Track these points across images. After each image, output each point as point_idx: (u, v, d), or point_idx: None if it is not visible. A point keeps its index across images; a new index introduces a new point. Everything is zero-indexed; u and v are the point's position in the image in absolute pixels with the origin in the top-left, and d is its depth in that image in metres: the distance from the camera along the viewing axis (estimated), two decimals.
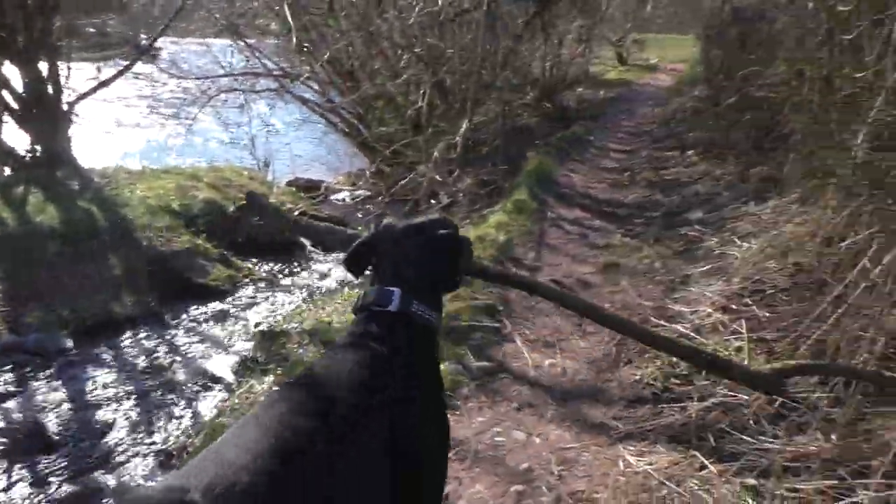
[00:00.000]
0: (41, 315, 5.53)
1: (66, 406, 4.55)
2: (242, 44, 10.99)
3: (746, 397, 2.88)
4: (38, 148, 8.64)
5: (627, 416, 3.11)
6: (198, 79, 10.91)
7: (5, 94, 8.36)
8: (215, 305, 6.32)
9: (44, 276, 5.94)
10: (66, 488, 3.71)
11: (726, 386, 3.01)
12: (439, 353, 1.86)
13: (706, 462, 2.50)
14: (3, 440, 4.06)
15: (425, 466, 1.57)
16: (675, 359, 3.39)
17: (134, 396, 4.67)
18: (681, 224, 5.94)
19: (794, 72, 5.68)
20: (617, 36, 23.15)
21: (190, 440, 4.00)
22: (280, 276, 7.34)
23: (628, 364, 3.61)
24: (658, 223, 6.21)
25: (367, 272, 1.85)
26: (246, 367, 4.50)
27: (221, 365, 5.06)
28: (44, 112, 8.48)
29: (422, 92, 8.39)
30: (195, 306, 6.24)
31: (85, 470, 3.88)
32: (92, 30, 13.73)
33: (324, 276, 7.34)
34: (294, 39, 8.22)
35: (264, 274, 7.27)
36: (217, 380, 4.89)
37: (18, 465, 3.88)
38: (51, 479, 3.79)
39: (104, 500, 3.64)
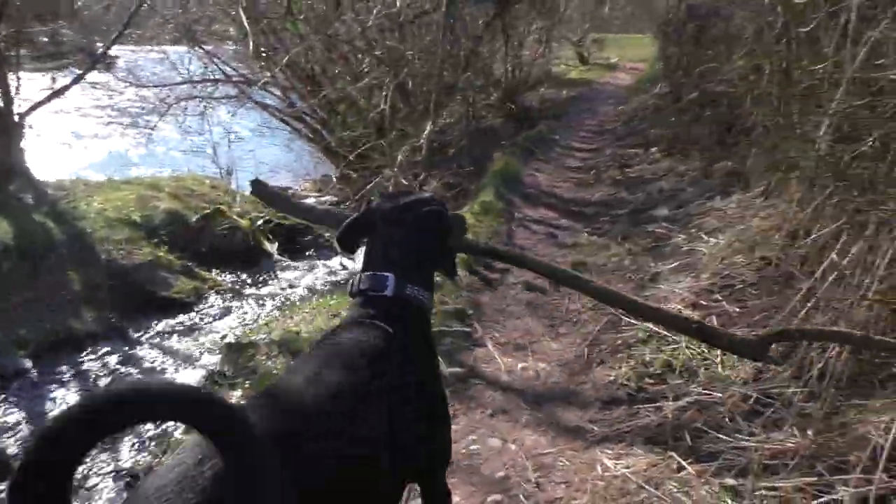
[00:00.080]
0: None
1: (25, 429, 4.40)
2: (200, 50, 10.78)
3: (721, 395, 2.87)
4: None
5: (603, 418, 3.07)
6: (156, 87, 10.70)
7: None
8: (180, 318, 6.18)
9: None
10: None
11: (700, 384, 3.00)
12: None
13: (684, 463, 2.48)
14: None
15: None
16: (649, 357, 3.39)
17: None
18: (647, 221, 5.96)
19: (751, 66, 5.74)
20: (577, 37, 23.39)
21: (156, 460, 3.88)
22: (246, 285, 7.20)
23: (601, 365, 3.58)
24: (625, 221, 6.22)
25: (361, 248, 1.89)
26: (213, 381, 4.34)
27: (188, 380, 4.90)
28: None
29: (384, 94, 8.29)
30: (159, 320, 6.09)
31: None
32: (44, 38, 13.34)
33: (291, 284, 7.22)
34: (251, 44, 8.06)
35: (230, 284, 7.12)
36: None
37: None
38: None
39: None
